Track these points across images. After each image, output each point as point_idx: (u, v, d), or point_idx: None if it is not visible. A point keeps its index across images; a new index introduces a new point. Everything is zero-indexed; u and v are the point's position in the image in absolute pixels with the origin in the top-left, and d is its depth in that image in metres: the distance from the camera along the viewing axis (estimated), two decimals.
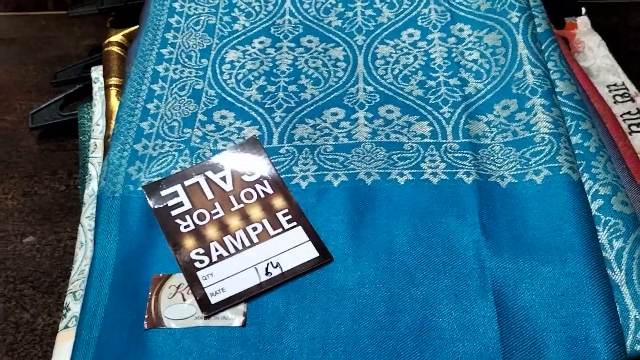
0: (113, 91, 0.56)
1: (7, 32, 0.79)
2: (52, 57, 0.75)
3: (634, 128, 0.62)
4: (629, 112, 0.64)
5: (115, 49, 0.60)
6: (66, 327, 0.46)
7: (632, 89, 0.66)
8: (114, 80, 0.57)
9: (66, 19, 0.83)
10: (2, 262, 0.54)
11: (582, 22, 0.73)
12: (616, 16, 0.77)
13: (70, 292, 0.47)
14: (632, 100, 0.65)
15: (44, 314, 0.50)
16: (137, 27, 0.62)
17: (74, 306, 0.46)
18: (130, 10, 0.64)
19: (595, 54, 0.70)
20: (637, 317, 0.35)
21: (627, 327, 0.35)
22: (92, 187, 0.53)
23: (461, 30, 0.51)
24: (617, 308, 0.36)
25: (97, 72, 0.62)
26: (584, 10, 0.72)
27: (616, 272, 0.37)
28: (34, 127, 0.64)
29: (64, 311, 0.46)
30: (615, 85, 0.67)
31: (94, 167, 0.55)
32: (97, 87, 0.61)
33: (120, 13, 0.66)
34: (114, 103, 0.55)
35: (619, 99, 0.65)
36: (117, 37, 0.61)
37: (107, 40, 0.61)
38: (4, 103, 0.69)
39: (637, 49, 0.72)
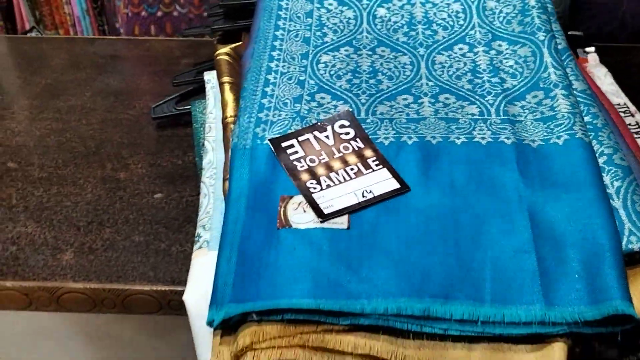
0: (226, 86, 0.73)
1: (121, 52, 0.97)
2: (158, 70, 0.93)
3: (634, 136, 0.78)
4: (629, 124, 0.79)
5: (224, 57, 0.77)
6: (200, 247, 0.61)
7: (633, 107, 0.81)
8: (226, 79, 0.73)
9: (165, 42, 1.01)
10: (140, 210, 0.69)
11: (592, 57, 0.89)
12: (619, 56, 0.93)
13: (200, 225, 0.63)
14: (632, 115, 0.81)
15: (176, 245, 0.65)
16: (240, 43, 0.80)
17: (204, 234, 0.61)
18: (234, 31, 0.82)
19: (602, 81, 0.86)
20: (630, 227, 0.50)
21: (623, 234, 0.50)
22: (208, 158, 0.69)
23: (500, 45, 0.68)
24: (616, 221, 0.50)
25: (208, 75, 0.79)
26: (593, 48, 0.89)
27: (615, 201, 0.52)
28: (155, 117, 0.81)
29: (196, 238, 0.61)
30: (619, 104, 0.82)
31: (209, 143, 0.71)
32: (210, 86, 0.78)
33: (225, 34, 0.83)
34: (228, 95, 0.72)
35: (621, 114, 0.81)
36: (226, 49, 0.79)
37: (217, 52, 0.78)
38: (126, 102, 0.86)
39: (635, 80, 0.87)
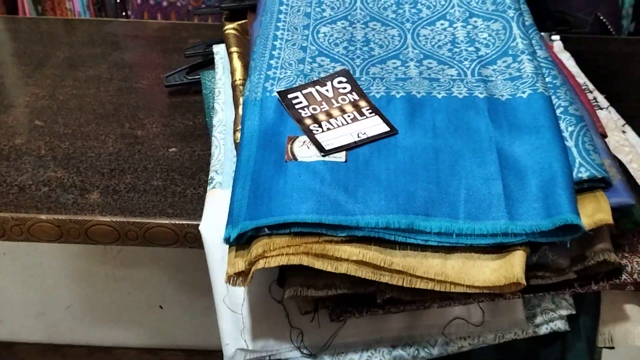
0: (235, 55, 0.82)
1: (133, 32, 1.06)
2: (168, 47, 1.02)
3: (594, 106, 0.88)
4: (588, 99, 0.90)
5: (232, 31, 0.87)
6: (213, 187, 0.70)
7: (591, 86, 0.92)
8: (234, 49, 0.83)
9: (173, 24, 1.10)
10: (157, 160, 0.78)
11: (557, 44, 1.00)
12: (581, 44, 1.04)
13: (213, 170, 0.71)
14: (591, 92, 0.91)
15: (190, 188, 0.74)
16: (245, 20, 0.89)
17: (217, 177, 0.70)
18: (241, 10, 0.91)
19: (566, 64, 0.97)
20: (580, 161, 0.60)
21: (574, 166, 0.60)
22: (218, 117, 0.78)
23: (475, 21, 0.78)
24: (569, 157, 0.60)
25: (217, 48, 0.89)
26: (558, 36, 1.00)
27: (569, 141, 0.62)
28: (167, 85, 0.90)
29: (210, 180, 0.70)
30: (579, 84, 0.93)
31: (219, 105, 0.80)
32: (218, 57, 0.88)
33: (232, 12, 0.92)
34: (236, 62, 0.81)
35: None
36: (233, 25, 0.88)
37: (225, 27, 0.88)
38: (140, 73, 0.95)
39: (593, 65, 0.98)
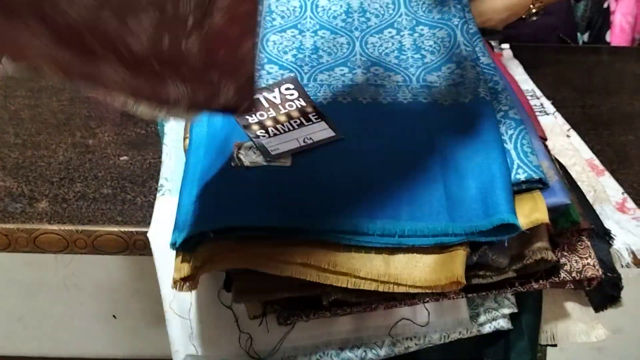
0: None
1: None
2: None
3: (537, 113, 0.91)
4: (535, 105, 0.92)
5: None
6: (163, 194, 0.70)
7: (539, 92, 0.95)
8: None
9: None
10: (108, 169, 0.78)
11: (507, 53, 1.03)
12: (530, 53, 1.07)
13: (163, 178, 0.72)
14: (538, 98, 0.94)
15: (140, 196, 0.74)
16: None
17: (166, 184, 0.71)
18: None
19: (514, 72, 0.99)
20: (519, 163, 0.61)
21: (513, 168, 0.61)
22: (170, 125, 0.79)
23: (422, 29, 0.80)
24: (508, 159, 0.62)
25: None
26: (508, 45, 1.03)
27: (508, 144, 0.64)
28: None
29: (159, 188, 0.71)
30: (527, 90, 0.96)
31: None
32: None
33: None
34: None
35: (529, 98, 0.94)
36: None
37: None
38: None
39: (542, 72, 1.01)
